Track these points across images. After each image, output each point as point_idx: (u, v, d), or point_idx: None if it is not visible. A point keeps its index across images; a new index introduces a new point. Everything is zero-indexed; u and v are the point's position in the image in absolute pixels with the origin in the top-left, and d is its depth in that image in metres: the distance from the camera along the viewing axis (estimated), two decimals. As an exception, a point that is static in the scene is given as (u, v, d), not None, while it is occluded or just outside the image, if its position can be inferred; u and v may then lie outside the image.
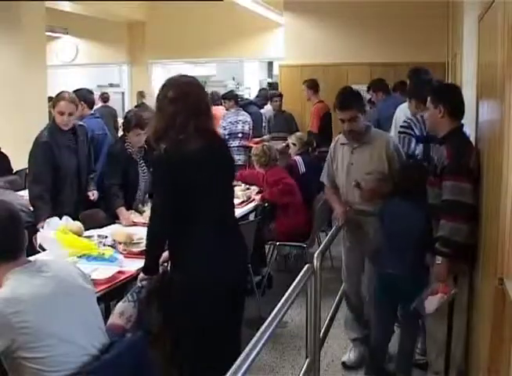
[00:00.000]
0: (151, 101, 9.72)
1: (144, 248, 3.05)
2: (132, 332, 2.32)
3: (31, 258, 2.04)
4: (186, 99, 2.41)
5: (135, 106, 9.48)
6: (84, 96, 4.68)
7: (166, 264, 2.64)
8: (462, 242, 2.59)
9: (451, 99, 2.76)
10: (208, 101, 2.60)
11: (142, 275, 2.54)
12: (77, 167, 3.88)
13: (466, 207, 2.59)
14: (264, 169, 4.75)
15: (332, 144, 3.48)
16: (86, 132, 4.05)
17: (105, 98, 9.21)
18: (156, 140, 2.49)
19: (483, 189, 2.62)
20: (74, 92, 4.52)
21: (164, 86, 2.48)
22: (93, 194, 4.03)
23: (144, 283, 2.51)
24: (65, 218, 3.31)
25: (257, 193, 4.75)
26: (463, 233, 2.58)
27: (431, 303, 2.67)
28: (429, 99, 2.86)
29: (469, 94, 4.82)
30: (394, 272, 2.96)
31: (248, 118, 6.95)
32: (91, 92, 4.97)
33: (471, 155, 2.68)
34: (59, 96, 3.81)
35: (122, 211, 3.78)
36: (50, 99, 4.87)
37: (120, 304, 2.41)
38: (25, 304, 1.78)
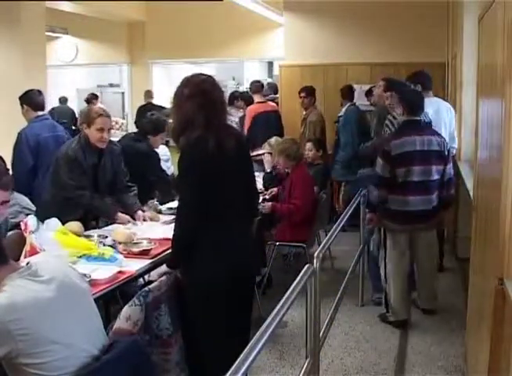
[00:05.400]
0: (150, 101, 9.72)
1: (144, 248, 3.08)
2: (140, 336, 2.30)
3: (25, 261, 2.02)
4: (203, 96, 2.54)
5: (142, 106, 9.17)
6: (29, 99, 4.50)
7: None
8: (375, 202, 3.81)
9: (408, 101, 3.79)
10: (224, 97, 2.73)
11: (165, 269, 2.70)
12: (95, 186, 3.65)
13: (377, 176, 3.77)
14: (291, 164, 4.57)
15: None
16: (117, 151, 3.81)
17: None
18: (176, 136, 2.61)
19: (483, 189, 2.62)
20: (21, 96, 4.50)
21: (181, 84, 2.61)
22: (139, 218, 3.73)
23: (151, 286, 2.50)
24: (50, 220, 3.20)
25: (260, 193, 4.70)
26: (374, 196, 3.80)
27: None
28: None
29: (469, 94, 4.85)
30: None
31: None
32: (40, 94, 4.60)
33: (390, 140, 3.77)
34: (94, 112, 3.57)
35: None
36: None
37: (126, 308, 2.35)
38: (23, 311, 1.76)
